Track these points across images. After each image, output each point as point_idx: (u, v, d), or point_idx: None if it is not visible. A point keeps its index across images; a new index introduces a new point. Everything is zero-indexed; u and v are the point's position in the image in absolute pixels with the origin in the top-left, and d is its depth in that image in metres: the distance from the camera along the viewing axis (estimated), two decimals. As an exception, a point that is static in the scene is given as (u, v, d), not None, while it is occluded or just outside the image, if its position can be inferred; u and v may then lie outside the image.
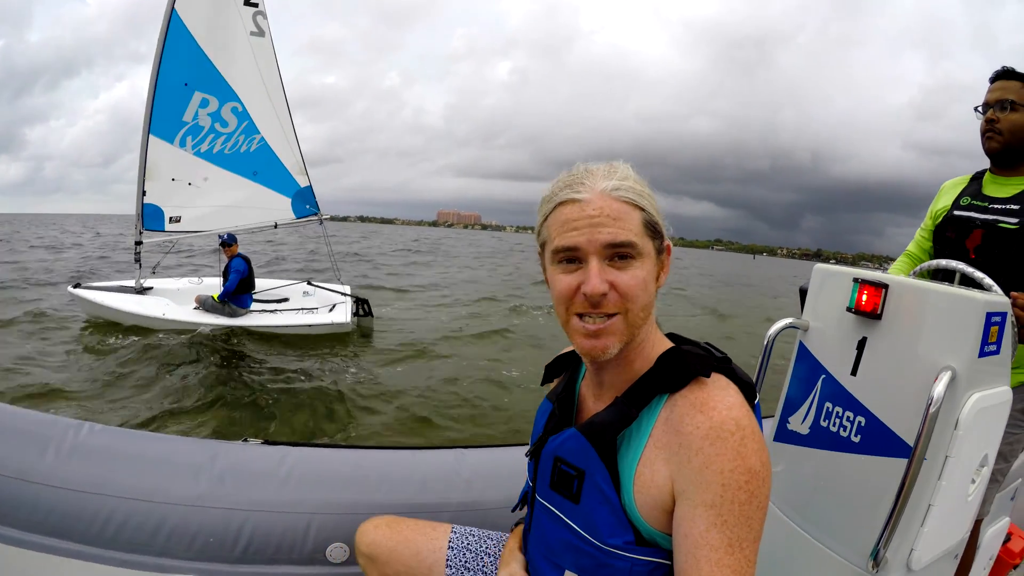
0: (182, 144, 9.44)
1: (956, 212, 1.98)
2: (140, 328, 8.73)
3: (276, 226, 10.21)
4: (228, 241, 9.21)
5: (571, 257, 0.92)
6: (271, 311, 9.43)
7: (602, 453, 0.93)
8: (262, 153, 9.96)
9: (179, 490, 1.69)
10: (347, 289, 10.52)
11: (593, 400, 1.06)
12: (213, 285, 9.52)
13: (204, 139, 9.54)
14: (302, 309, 9.53)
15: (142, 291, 9.54)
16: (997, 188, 1.93)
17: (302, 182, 10.33)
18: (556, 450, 1.01)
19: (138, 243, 9.51)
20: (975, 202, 1.95)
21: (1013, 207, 1.84)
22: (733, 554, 0.82)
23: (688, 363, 0.92)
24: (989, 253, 1.86)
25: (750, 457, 0.84)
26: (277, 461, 1.83)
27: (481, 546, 1.33)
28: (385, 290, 15.76)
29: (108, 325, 8.99)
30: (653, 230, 0.93)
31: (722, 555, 0.82)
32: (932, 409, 1.24)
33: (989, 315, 1.33)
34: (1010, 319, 1.41)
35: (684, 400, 0.90)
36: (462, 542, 1.34)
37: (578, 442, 0.96)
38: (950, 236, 1.97)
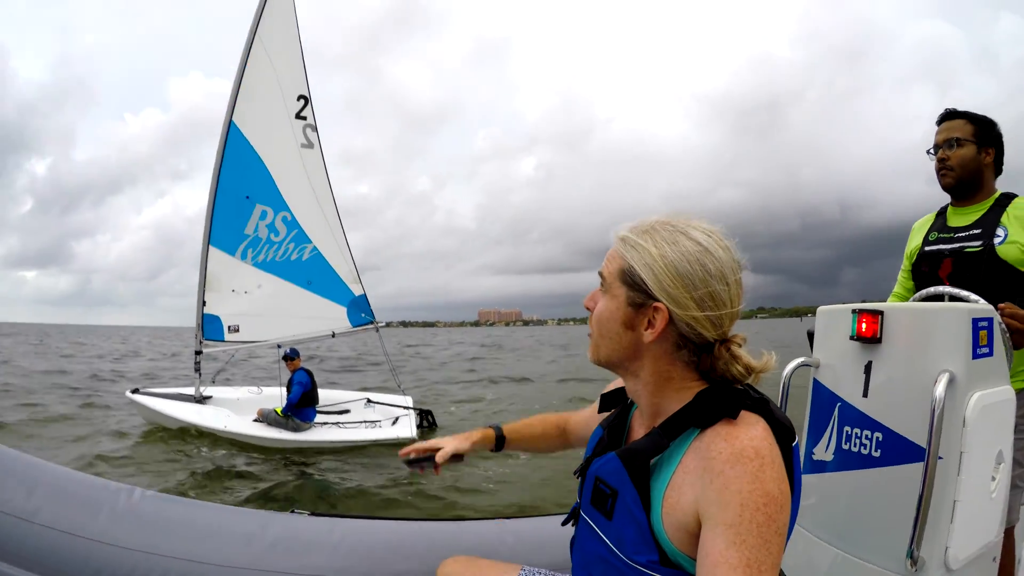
0: (243, 256, 9.42)
1: (927, 248, 2.12)
2: (201, 432, 8.59)
3: (334, 335, 10.01)
4: (291, 355, 9.02)
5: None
6: (334, 424, 9.14)
7: (634, 476, 1.00)
8: (315, 262, 9.86)
9: (231, 555, 1.76)
10: (409, 400, 10.02)
11: (637, 431, 1.15)
12: (273, 395, 9.18)
13: (261, 250, 9.55)
14: (365, 422, 9.16)
15: (202, 400, 9.30)
16: (959, 218, 2.08)
17: (356, 291, 10.11)
18: (597, 471, 1.10)
19: (198, 352, 9.36)
20: (942, 235, 2.09)
21: (975, 231, 1.99)
22: (751, 574, 0.84)
23: (722, 401, 0.99)
24: (960, 277, 1.97)
25: (768, 482, 0.88)
26: (327, 531, 1.91)
27: None
28: (447, 396, 15.22)
29: (166, 429, 8.87)
30: (630, 281, 1.03)
31: (739, 574, 0.84)
32: (936, 409, 1.35)
33: (975, 320, 1.46)
34: (997, 324, 1.53)
35: (713, 432, 0.95)
36: None
37: (614, 465, 1.05)
38: (924, 270, 2.10)
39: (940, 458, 1.39)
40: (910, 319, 1.53)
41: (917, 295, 1.90)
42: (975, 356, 1.44)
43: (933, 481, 1.34)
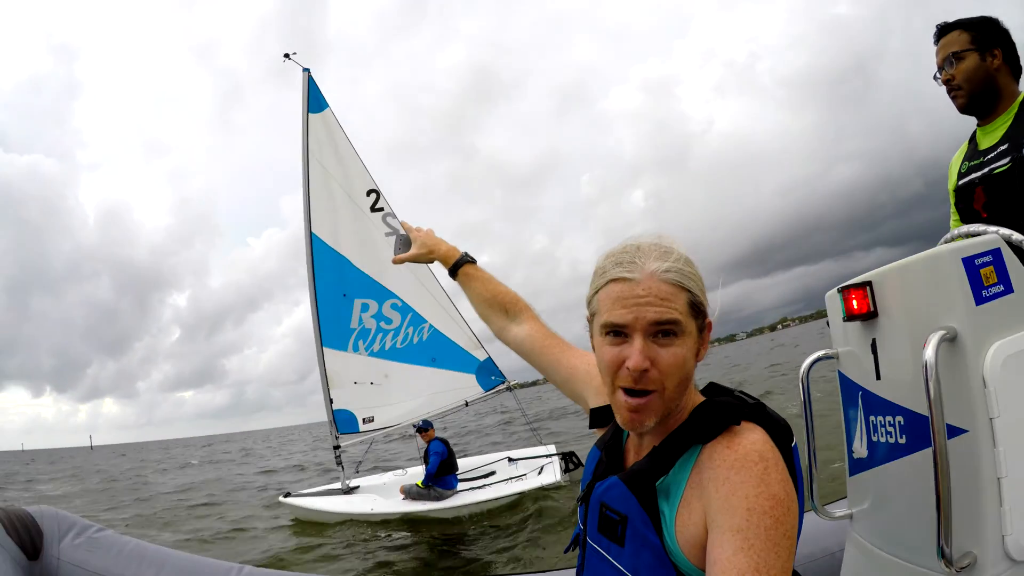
0: (355, 349, 9.66)
1: (960, 183, 1.85)
2: (350, 521, 8.65)
3: (467, 404, 9.90)
4: (424, 427, 9.02)
5: (618, 331, 0.96)
6: (477, 487, 8.95)
7: (642, 500, 0.96)
8: (434, 339, 9.92)
9: None
10: (551, 448, 9.75)
11: (635, 450, 1.08)
12: (418, 474, 9.15)
13: (374, 340, 9.73)
14: (510, 479, 8.91)
15: (349, 491, 9.36)
16: (987, 138, 1.79)
17: (480, 356, 9.99)
18: (601, 496, 1.04)
19: (336, 447, 9.56)
20: (972, 163, 1.81)
21: (1002, 148, 1.70)
22: None
23: (719, 414, 0.95)
24: (994, 204, 1.69)
25: (773, 485, 0.85)
26: None
27: None
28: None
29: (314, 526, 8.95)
30: (697, 310, 0.97)
31: None
32: (930, 376, 1.11)
33: (967, 260, 1.21)
34: (1006, 254, 1.26)
35: (717, 443, 0.93)
36: None
37: (620, 490, 1.00)
38: (962, 207, 1.84)
39: (964, 431, 1.15)
40: (897, 281, 1.32)
41: (941, 241, 1.63)
42: (982, 300, 1.19)
43: (947, 461, 1.10)
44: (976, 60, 1.75)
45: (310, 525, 9.15)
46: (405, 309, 9.89)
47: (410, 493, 8.62)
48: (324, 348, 9.73)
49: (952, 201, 1.93)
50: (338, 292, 9.82)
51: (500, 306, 1.52)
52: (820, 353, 1.59)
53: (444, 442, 8.74)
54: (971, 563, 1.11)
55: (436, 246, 1.62)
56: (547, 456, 9.38)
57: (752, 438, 0.91)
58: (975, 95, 1.76)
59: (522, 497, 8.15)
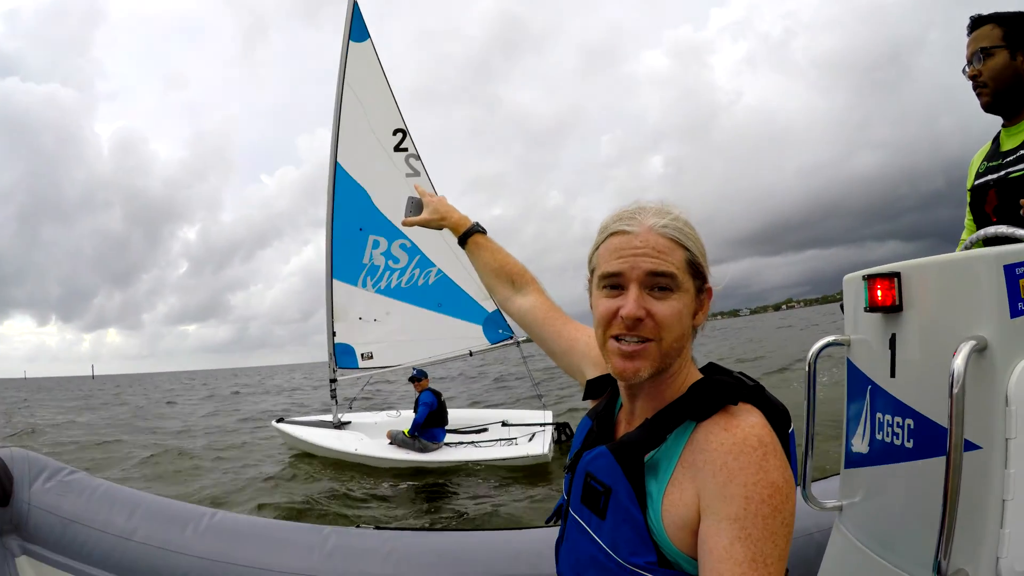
0: (363, 285, 9.60)
1: (977, 182, 1.75)
2: (335, 461, 8.72)
3: (471, 354, 9.82)
4: (418, 376, 8.91)
5: (615, 284, 0.96)
6: (465, 443, 8.81)
7: (628, 472, 0.93)
8: (442, 285, 9.78)
9: (292, 563, 1.93)
10: (548, 416, 9.41)
11: (627, 422, 1.05)
12: (410, 419, 8.94)
13: (381, 277, 9.65)
14: (500, 440, 8.69)
15: (340, 426, 9.46)
16: (1010, 140, 1.69)
17: (489, 307, 9.78)
18: (588, 466, 1.01)
19: (333, 381, 9.56)
20: (991, 164, 1.71)
21: (1022, 152, 1.61)
22: (757, 569, 0.79)
23: (717, 392, 0.93)
24: (1005, 209, 1.60)
25: (772, 472, 0.83)
26: (382, 542, 2.00)
27: None
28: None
29: (306, 456, 9.14)
30: (695, 270, 0.96)
31: (746, 569, 0.78)
32: (955, 387, 1.04)
33: (1008, 268, 1.12)
34: None
35: (712, 423, 0.90)
36: None
37: (606, 460, 0.97)
38: (975, 208, 1.75)
39: (978, 447, 1.09)
40: (931, 277, 1.22)
41: (963, 243, 1.54)
42: (1016, 313, 1.10)
43: (959, 477, 1.04)
44: (1006, 58, 1.64)
45: (302, 459, 9.37)
46: (413, 251, 9.71)
47: (395, 439, 8.57)
48: (334, 280, 9.58)
49: (968, 200, 1.83)
50: (355, 225, 9.66)
51: (507, 276, 1.48)
52: (831, 338, 1.51)
53: (436, 394, 8.63)
54: (963, 580, 1.06)
55: (448, 213, 1.60)
56: (541, 424, 9.16)
57: (751, 421, 0.88)
58: (1000, 94, 1.66)
59: (505, 463, 8.05)
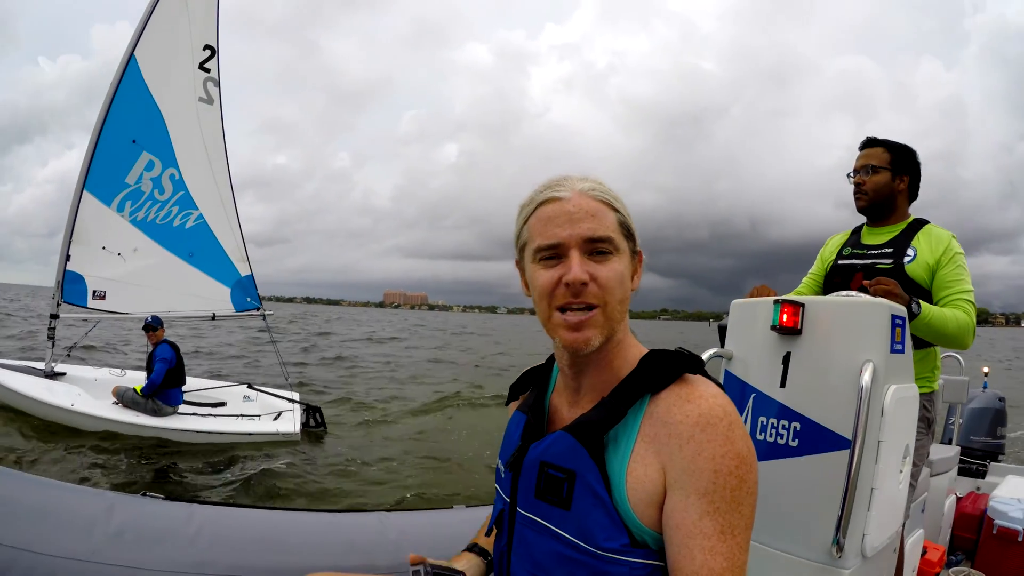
0: (119, 208, 7.59)
1: (840, 261, 2.13)
2: (37, 419, 6.74)
3: (214, 317, 8.34)
4: (153, 324, 7.20)
5: (553, 254, 0.89)
6: (204, 415, 7.40)
7: (592, 452, 0.86)
8: (200, 233, 8.17)
9: (67, 544, 1.39)
10: (295, 395, 8.30)
11: (568, 408, 0.98)
12: (138, 379, 7.44)
13: (142, 206, 7.74)
14: (242, 415, 7.42)
15: (52, 375, 7.41)
16: (873, 238, 2.10)
17: (243, 270, 8.49)
18: (542, 455, 0.91)
19: (54, 316, 7.43)
20: (855, 251, 2.11)
21: (887, 250, 2.02)
22: (725, 541, 0.77)
23: (672, 362, 0.89)
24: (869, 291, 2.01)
25: (738, 442, 0.81)
26: (184, 519, 1.55)
27: None
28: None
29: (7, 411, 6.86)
30: (627, 231, 0.92)
31: (715, 542, 0.77)
32: (864, 396, 1.27)
33: (893, 316, 1.41)
34: (907, 325, 1.51)
35: (670, 394, 0.86)
36: None
37: (566, 443, 0.88)
38: (836, 281, 2.11)
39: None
40: (833, 311, 1.46)
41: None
42: (892, 351, 1.39)
43: (860, 468, 1.25)
44: (887, 178, 2.05)
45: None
46: (179, 185, 7.95)
47: (124, 398, 6.83)
48: (85, 191, 7.39)
49: (821, 264, 2.26)
50: (128, 135, 7.45)
51: None
52: (714, 351, 1.68)
53: (174, 347, 7.05)
54: (842, 554, 1.28)
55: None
56: (289, 401, 8.01)
57: (712, 391, 0.85)
58: (876, 204, 2.07)
59: (251, 439, 6.93)
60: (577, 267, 0.86)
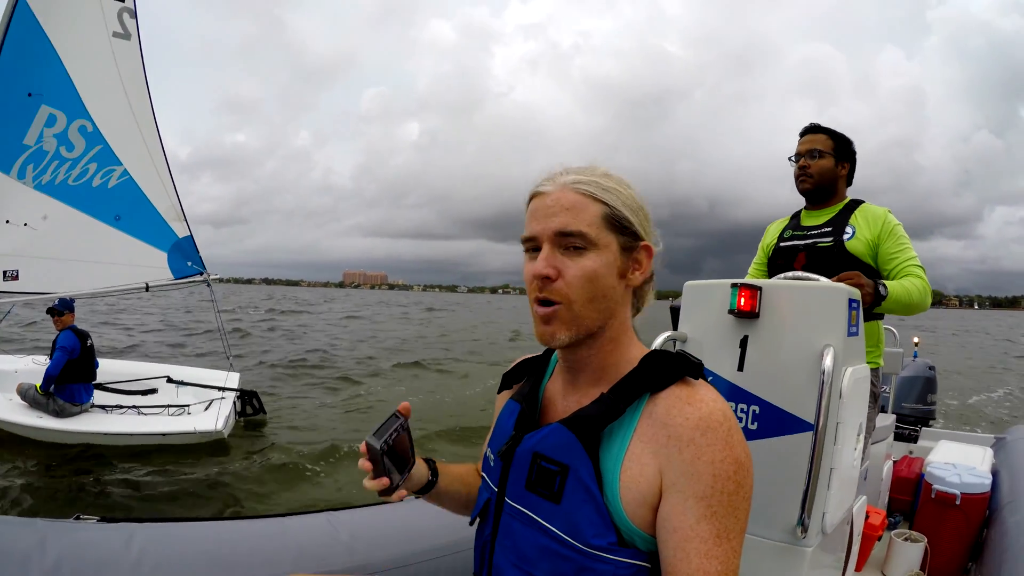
0: (20, 175, 6.27)
1: (782, 244, 2.19)
2: None
3: (147, 288, 7.02)
4: (59, 308, 6.27)
5: (533, 247, 0.89)
6: (125, 407, 6.47)
7: (588, 447, 0.84)
8: (126, 191, 6.83)
9: None
10: (233, 379, 7.31)
11: (562, 400, 0.96)
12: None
13: (47, 167, 6.39)
14: (170, 407, 6.57)
15: None
16: (812, 219, 2.17)
17: (180, 231, 7.21)
18: (536, 446, 0.89)
19: None
20: (796, 233, 2.17)
21: (826, 230, 2.08)
22: (721, 544, 0.77)
23: (673, 364, 0.88)
24: (813, 269, 2.00)
25: (737, 447, 0.80)
26: (124, 541, 1.44)
27: None
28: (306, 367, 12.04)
29: None
30: (617, 225, 0.87)
31: (711, 546, 0.76)
32: (826, 381, 1.27)
33: (850, 300, 1.40)
34: (860, 306, 1.50)
35: (669, 396, 0.84)
36: None
37: (562, 436, 0.86)
38: (780, 263, 2.16)
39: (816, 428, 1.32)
40: (789, 296, 1.45)
41: (776, 277, 1.87)
42: (849, 334, 1.39)
43: (823, 449, 1.25)
44: (831, 163, 2.11)
45: None
46: (95, 138, 6.55)
47: (26, 396, 6.01)
48: None
49: (764, 253, 2.31)
50: (22, 89, 6.11)
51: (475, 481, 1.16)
52: (669, 333, 1.64)
53: (80, 335, 6.18)
54: (805, 534, 1.28)
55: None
56: (221, 389, 7.08)
57: (712, 395, 0.85)
58: (820, 187, 2.13)
59: (166, 439, 6.06)
60: (541, 262, 0.86)
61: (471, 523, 1.03)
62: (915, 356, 4.69)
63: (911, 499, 2.96)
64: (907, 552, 2.35)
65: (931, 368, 4.44)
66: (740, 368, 1.48)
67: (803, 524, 1.25)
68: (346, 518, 1.79)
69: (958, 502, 2.47)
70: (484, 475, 1.02)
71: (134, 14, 6.76)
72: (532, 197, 0.90)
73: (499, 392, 1.10)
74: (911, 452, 3.68)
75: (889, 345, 4.14)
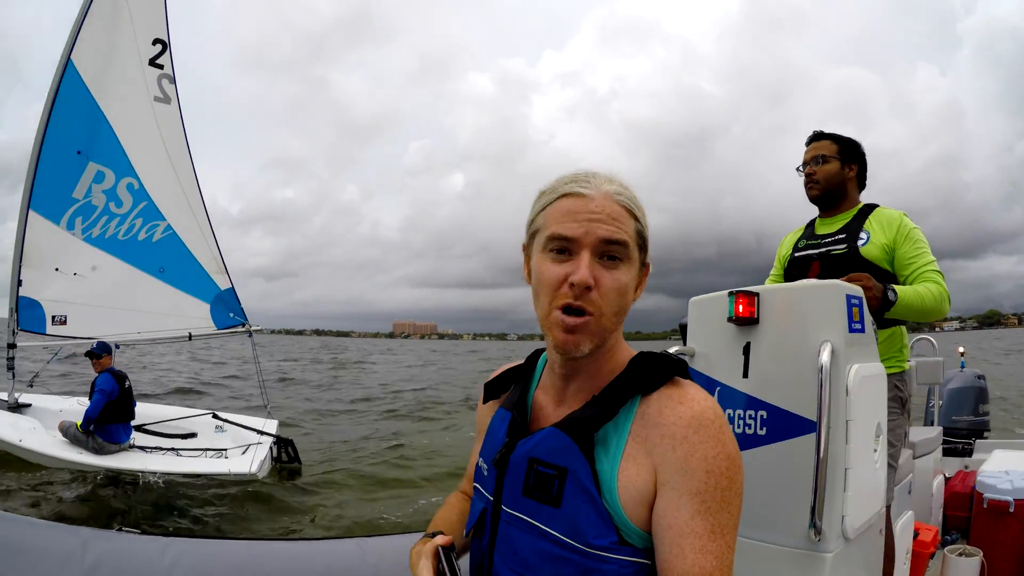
0: (70, 226, 6.78)
1: (796, 254, 2.13)
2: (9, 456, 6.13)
3: (191, 337, 7.42)
4: (97, 351, 6.38)
5: (563, 247, 0.85)
6: (164, 449, 6.62)
7: (584, 449, 0.84)
8: (170, 245, 7.29)
9: None
10: (270, 425, 7.33)
11: (554, 406, 0.95)
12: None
13: (96, 222, 6.91)
14: (208, 450, 6.66)
15: (16, 407, 6.74)
16: (826, 227, 2.10)
17: (222, 283, 7.55)
18: (531, 451, 0.88)
19: (11, 346, 6.70)
20: (809, 242, 2.11)
21: (840, 236, 2.01)
22: (715, 540, 0.77)
23: (661, 366, 0.89)
24: (827, 278, 1.99)
25: (728, 444, 0.80)
26: (159, 552, 1.50)
27: None
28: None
29: None
30: (642, 241, 0.89)
31: (705, 541, 0.76)
32: (824, 375, 1.25)
33: (848, 296, 1.39)
34: (865, 304, 1.47)
35: (660, 396, 0.84)
36: None
37: (558, 439, 0.86)
38: (795, 274, 2.10)
39: (830, 426, 1.28)
40: (786, 297, 1.45)
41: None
42: (851, 330, 1.37)
43: (829, 446, 1.22)
44: (837, 167, 2.06)
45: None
46: (141, 195, 7.11)
47: (67, 433, 6.23)
48: (31, 211, 6.63)
49: (780, 264, 2.25)
50: (72, 146, 6.66)
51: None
52: (675, 348, 1.64)
53: (118, 378, 6.27)
54: (820, 537, 1.22)
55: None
56: (259, 433, 7.06)
57: (702, 394, 0.85)
58: (827, 192, 2.08)
59: (200, 480, 6.14)
60: (585, 268, 0.83)
61: (466, 535, 1.02)
62: (962, 367, 4.46)
63: (966, 514, 2.76)
64: (961, 568, 2.18)
65: (980, 377, 4.20)
66: (745, 375, 1.47)
67: (815, 526, 1.20)
68: (374, 544, 1.79)
69: (1011, 509, 2.30)
70: (477, 485, 1.01)
71: (172, 80, 7.42)
72: (563, 195, 0.88)
73: (484, 403, 1.10)
74: (966, 467, 3.45)
75: (927, 354, 3.96)
